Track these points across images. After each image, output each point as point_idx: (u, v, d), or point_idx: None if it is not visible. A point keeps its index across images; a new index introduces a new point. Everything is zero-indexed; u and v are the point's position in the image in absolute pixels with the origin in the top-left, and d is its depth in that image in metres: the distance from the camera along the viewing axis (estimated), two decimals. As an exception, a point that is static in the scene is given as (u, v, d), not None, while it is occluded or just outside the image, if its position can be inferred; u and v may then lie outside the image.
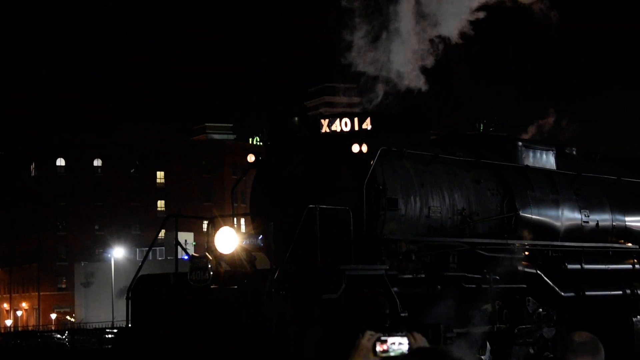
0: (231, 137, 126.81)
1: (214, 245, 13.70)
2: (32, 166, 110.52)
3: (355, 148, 14.22)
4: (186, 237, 73.47)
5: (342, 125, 15.04)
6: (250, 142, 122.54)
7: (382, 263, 13.95)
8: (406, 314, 13.43)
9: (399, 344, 5.00)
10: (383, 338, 5.04)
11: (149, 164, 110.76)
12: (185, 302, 13.09)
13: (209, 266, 12.95)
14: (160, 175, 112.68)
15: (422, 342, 5.06)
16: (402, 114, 16.24)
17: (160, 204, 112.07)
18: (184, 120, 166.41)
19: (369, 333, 5.13)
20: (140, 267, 14.07)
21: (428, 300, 14.48)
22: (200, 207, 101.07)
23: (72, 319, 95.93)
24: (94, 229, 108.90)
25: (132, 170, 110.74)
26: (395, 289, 13.61)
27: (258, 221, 14.74)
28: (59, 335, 55.13)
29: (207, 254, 13.34)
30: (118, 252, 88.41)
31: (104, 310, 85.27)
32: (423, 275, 14.50)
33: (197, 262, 13.06)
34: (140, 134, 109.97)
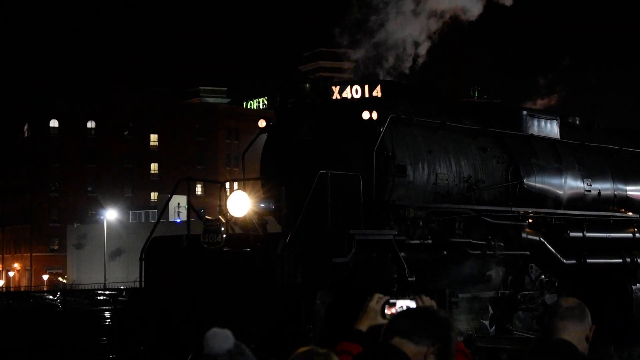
0: (225, 100, 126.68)
1: (227, 209, 13.88)
2: (26, 127, 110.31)
3: (366, 115, 14.34)
4: (179, 200, 73.46)
5: (352, 92, 15.20)
6: (244, 107, 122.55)
7: (391, 228, 14.12)
8: (413, 279, 13.61)
9: (407, 307, 5.04)
10: (392, 301, 5.13)
11: (143, 127, 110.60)
12: (198, 265, 13.24)
13: (222, 229, 13.10)
14: (153, 138, 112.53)
15: (431, 304, 5.10)
16: (412, 82, 16.37)
17: (154, 166, 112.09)
18: (178, 83, 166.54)
19: (377, 296, 5.21)
20: (153, 229, 14.20)
21: (434, 266, 14.69)
22: (193, 170, 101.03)
23: (64, 280, 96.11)
24: (86, 191, 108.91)
25: (125, 133, 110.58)
26: (403, 254, 13.75)
27: (269, 185, 14.88)
28: (50, 296, 55.24)
29: (219, 217, 13.48)
30: (111, 214, 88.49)
31: (96, 272, 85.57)
32: (430, 241, 14.67)
33: (210, 225, 13.20)
34: (134, 97, 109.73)
